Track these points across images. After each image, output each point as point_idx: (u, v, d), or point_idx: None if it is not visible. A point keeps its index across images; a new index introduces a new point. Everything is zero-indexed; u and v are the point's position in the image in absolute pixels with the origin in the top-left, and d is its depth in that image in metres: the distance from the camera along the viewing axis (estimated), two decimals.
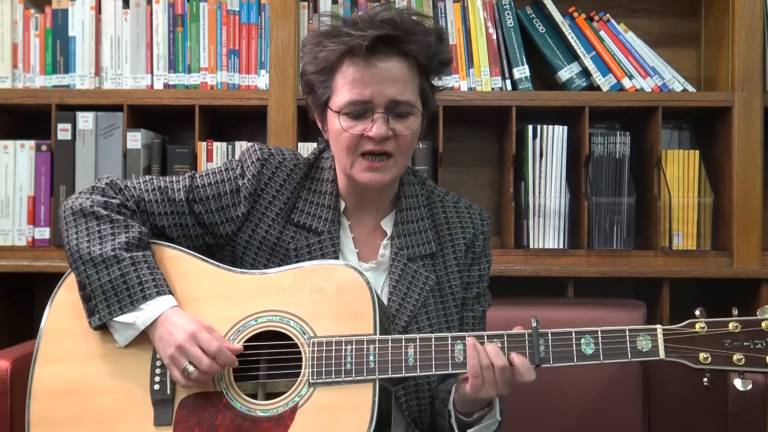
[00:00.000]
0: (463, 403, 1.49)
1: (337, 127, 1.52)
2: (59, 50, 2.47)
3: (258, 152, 1.62)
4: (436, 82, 1.61)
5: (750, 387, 1.38)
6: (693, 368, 1.39)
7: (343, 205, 1.63)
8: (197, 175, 1.64)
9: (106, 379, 1.50)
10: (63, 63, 2.47)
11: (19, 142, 2.46)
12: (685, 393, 2.08)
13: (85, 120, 2.44)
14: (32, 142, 2.46)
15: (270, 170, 1.61)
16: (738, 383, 1.38)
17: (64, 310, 1.56)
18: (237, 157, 1.67)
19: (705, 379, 1.38)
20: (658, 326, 1.41)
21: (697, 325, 1.40)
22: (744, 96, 2.39)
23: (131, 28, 2.47)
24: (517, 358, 1.40)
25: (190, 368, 1.42)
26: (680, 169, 2.46)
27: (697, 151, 2.48)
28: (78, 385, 1.51)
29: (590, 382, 2.18)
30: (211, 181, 1.62)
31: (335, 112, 1.52)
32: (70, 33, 2.47)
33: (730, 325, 1.39)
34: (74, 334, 1.54)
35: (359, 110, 1.50)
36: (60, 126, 2.44)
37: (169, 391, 1.48)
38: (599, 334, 1.41)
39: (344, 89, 1.51)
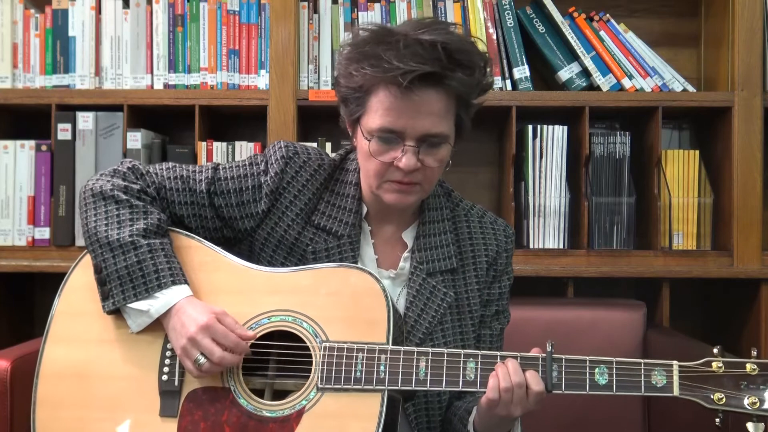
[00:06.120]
0: (483, 425, 1.46)
1: (367, 150, 1.48)
2: (59, 50, 2.47)
3: (283, 149, 1.59)
4: (477, 99, 1.54)
5: (763, 430, 1.33)
6: (706, 407, 1.34)
7: (365, 209, 1.60)
8: (221, 167, 1.61)
9: (115, 364, 1.49)
10: (63, 63, 2.47)
11: (19, 142, 2.46)
12: None
13: (85, 120, 2.44)
14: (32, 142, 2.46)
15: (293, 169, 1.58)
16: (750, 426, 1.33)
17: (78, 291, 1.55)
18: (264, 152, 1.63)
19: (717, 420, 1.34)
20: (675, 362, 1.36)
21: (714, 364, 1.35)
22: (744, 96, 2.39)
23: (131, 28, 2.47)
24: (529, 374, 1.38)
25: (202, 359, 1.41)
26: (680, 169, 2.46)
27: (697, 151, 2.48)
28: (87, 368, 1.50)
29: None
30: (234, 174, 1.59)
31: (365, 136, 1.48)
32: (70, 33, 2.47)
33: (748, 367, 1.34)
34: (87, 316, 1.52)
35: (390, 138, 1.46)
36: (60, 126, 2.44)
37: (177, 383, 1.46)
38: (614, 365, 1.37)
39: (377, 114, 1.46)
